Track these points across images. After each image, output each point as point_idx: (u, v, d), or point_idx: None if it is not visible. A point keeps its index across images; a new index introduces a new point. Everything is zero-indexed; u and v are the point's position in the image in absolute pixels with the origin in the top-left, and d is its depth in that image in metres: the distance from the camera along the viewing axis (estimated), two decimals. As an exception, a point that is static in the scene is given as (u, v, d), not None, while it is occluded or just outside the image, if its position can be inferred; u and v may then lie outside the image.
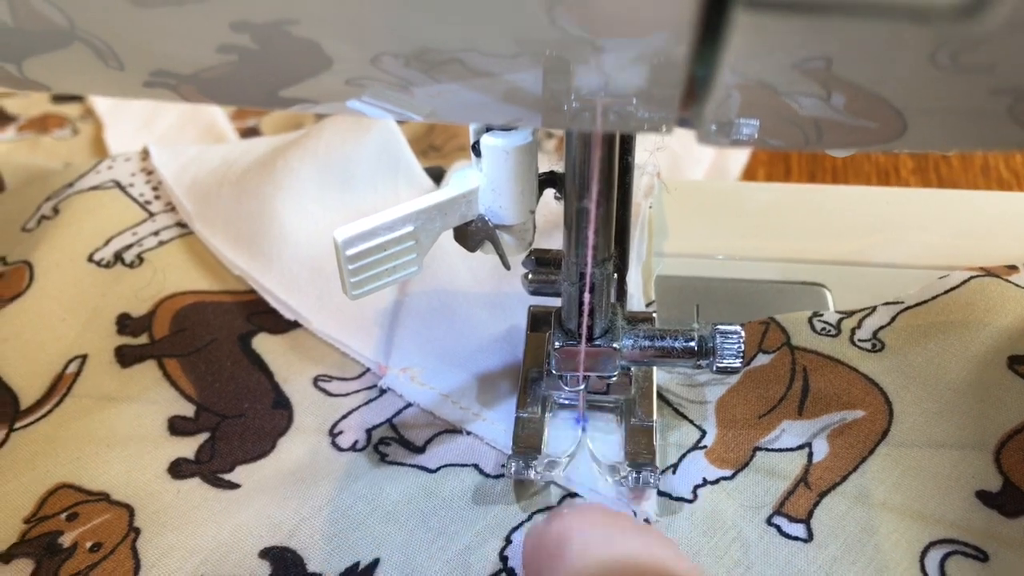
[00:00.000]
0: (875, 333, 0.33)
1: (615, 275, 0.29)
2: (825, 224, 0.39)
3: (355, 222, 0.24)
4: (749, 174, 0.48)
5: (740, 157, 0.48)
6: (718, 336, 0.28)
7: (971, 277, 0.34)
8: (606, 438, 0.31)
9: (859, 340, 0.33)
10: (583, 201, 0.23)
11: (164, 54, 0.18)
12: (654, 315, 0.33)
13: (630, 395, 0.31)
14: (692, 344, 0.28)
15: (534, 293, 0.31)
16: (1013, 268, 0.35)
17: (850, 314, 0.34)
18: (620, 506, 0.29)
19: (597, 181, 0.22)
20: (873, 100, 0.17)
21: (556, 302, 0.30)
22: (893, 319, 0.33)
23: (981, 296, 0.33)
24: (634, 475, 0.28)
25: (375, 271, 0.25)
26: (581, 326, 0.27)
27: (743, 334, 0.28)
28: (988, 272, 0.34)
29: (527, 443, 0.30)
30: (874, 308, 0.34)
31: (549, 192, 0.27)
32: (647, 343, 0.28)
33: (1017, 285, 0.33)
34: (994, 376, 0.31)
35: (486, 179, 0.25)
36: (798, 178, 0.48)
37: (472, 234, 0.26)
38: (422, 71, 0.18)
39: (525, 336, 0.33)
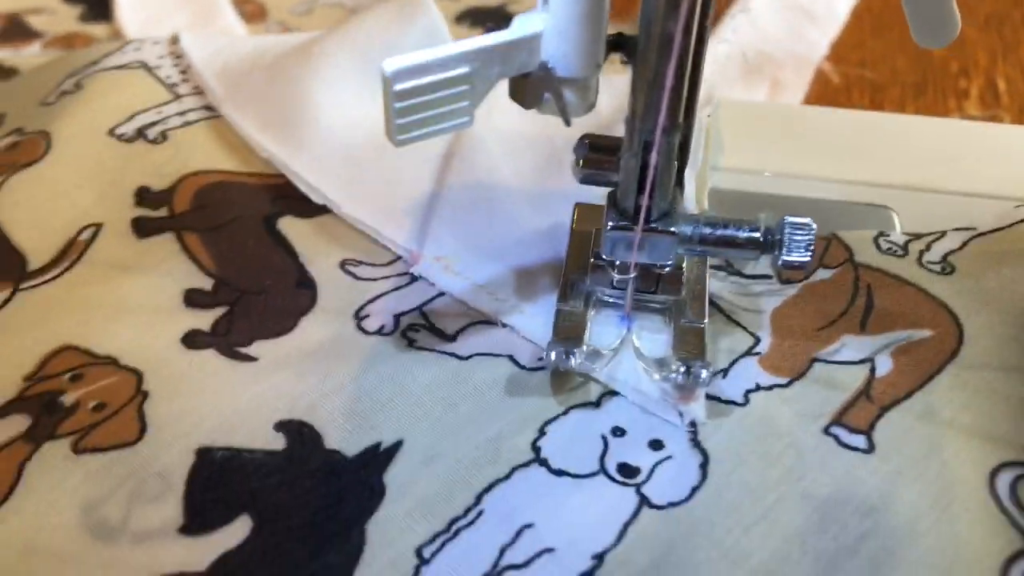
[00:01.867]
0: (944, 256, 0.31)
1: (679, 156, 0.26)
2: (891, 149, 0.36)
3: (407, 55, 0.22)
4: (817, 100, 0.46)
5: (797, 92, 0.46)
6: (787, 227, 0.26)
7: (1050, 207, 0.32)
8: (653, 336, 0.28)
9: (927, 262, 0.31)
10: (666, 27, 0.21)
11: None
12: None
13: (680, 295, 0.29)
14: (757, 234, 0.26)
15: (584, 181, 0.29)
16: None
17: (918, 236, 0.32)
18: (664, 407, 0.26)
19: (685, 11, 0.20)
20: None
21: (604, 200, 0.28)
22: (964, 244, 0.31)
23: (1060, 227, 0.31)
24: (684, 369, 0.26)
25: (424, 114, 0.23)
26: (641, 199, 0.25)
27: (815, 227, 0.26)
28: (1067, 203, 0.32)
29: (568, 334, 0.28)
30: (944, 232, 0.32)
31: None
32: (708, 230, 0.26)
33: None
34: (1073, 305, 0.29)
35: (553, 20, 0.23)
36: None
37: (533, 84, 0.24)
38: None
39: (569, 231, 0.31)
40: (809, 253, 0.26)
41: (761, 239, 0.26)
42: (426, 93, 0.23)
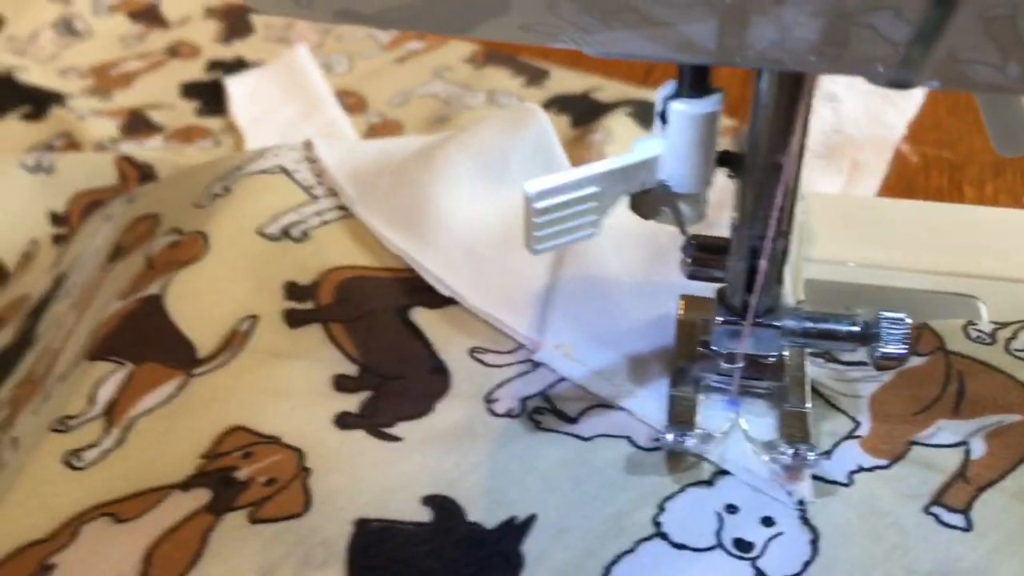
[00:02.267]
0: (1032, 343, 0.33)
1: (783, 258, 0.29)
2: (975, 239, 0.39)
3: (545, 177, 0.26)
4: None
5: (877, 172, 0.49)
6: (883, 322, 0.29)
7: None
8: (759, 420, 0.31)
9: (1015, 349, 0.33)
10: (775, 156, 0.24)
11: None
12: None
13: (783, 382, 0.31)
14: (857, 328, 0.29)
15: (691, 277, 0.32)
16: None
17: (1005, 325, 0.34)
18: (773, 486, 0.29)
19: (799, 128, 0.23)
20: None
21: (708, 292, 0.31)
22: (1050, 331, 0.33)
23: None
24: (792, 451, 0.29)
25: (558, 228, 0.27)
26: (751, 298, 0.28)
27: (909, 322, 0.28)
28: None
29: (681, 418, 0.30)
30: (1030, 320, 0.34)
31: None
32: (811, 324, 0.29)
33: None
34: None
35: (670, 145, 0.26)
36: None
37: (651, 200, 0.27)
38: (598, 19, 0.19)
39: (676, 321, 0.34)
40: (905, 346, 0.28)
41: (860, 332, 0.29)
42: (561, 210, 0.26)
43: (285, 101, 0.67)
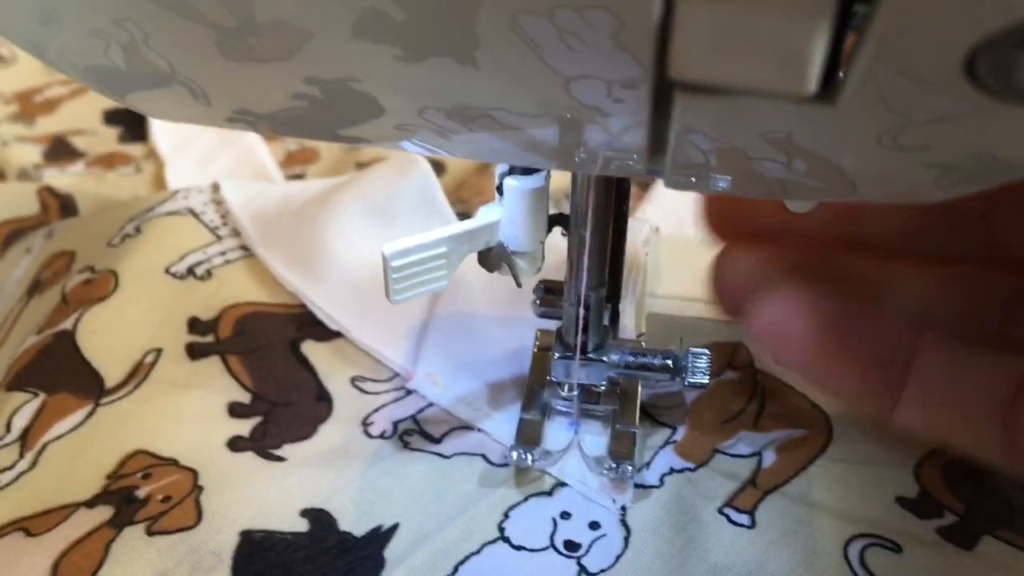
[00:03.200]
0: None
1: (608, 303, 0.35)
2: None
3: (399, 240, 0.31)
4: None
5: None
6: (690, 356, 0.34)
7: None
8: (595, 439, 0.36)
9: (814, 373, 0.39)
10: (581, 230, 0.30)
11: (247, 97, 0.23)
12: (642, 342, 0.39)
13: (616, 405, 0.37)
14: (668, 361, 0.35)
15: (541, 316, 0.38)
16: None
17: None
18: (602, 495, 0.34)
19: (592, 213, 0.29)
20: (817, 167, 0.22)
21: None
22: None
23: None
24: (615, 467, 0.34)
25: (412, 281, 0.32)
26: (576, 338, 0.33)
27: (711, 355, 0.34)
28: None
29: (528, 438, 0.36)
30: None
31: (557, 230, 0.34)
32: (631, 358, 0.35)
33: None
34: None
35: (506, 213, 0.32)
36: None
37: (492, 257, 0.32)
38: (460, 123, 0.23)
39: (532, 354, 0.39)
40: (707, 376, 0.34)
41: (672, 364, 0.35)
42: (414, 267, 0.31)
43: (203, 129, 0.70)
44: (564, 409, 0.37)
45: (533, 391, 0.38)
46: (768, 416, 0.37)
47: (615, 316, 0.37)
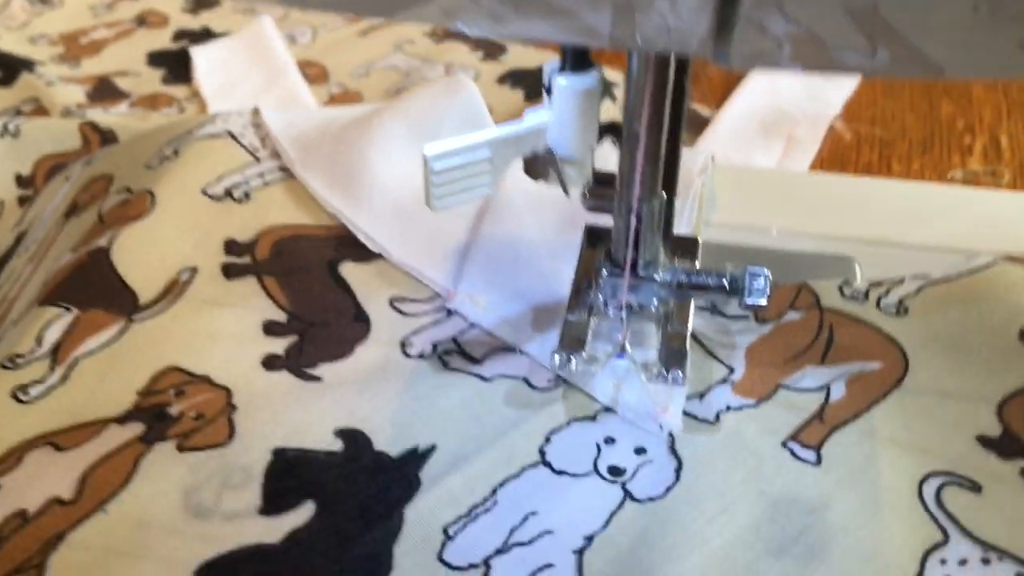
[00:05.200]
0: (900, 300, 0.36)
1: (661, 216, 0.32)
2: (860, 208, 0.42)
3: (442, 141, 0.29)
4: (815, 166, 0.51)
5: (811, 147, 0.52)
6: (747, 276, 0.32)
7: (995, 260, 0.37)
8: (643, 349, 0.34)
9: (884, 305, 0.36)
10: (635, 125, 0.27)
11: None
12: (697, 238, 0.36)
13: (669, 308, 0.34)
14: (724, 281, 0.32)
15: (591, 210, 0.35)
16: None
17: (879, 284, 0.37)
18: (647, 419, 0.32)
19: (648, 105, 0.26)
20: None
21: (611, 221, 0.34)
22: (919, 290, 0.36)
23: (1003, 277, 0.36)
24: (664, 375, 0.32)
25: (454, 187, 0.30)
26: (626, 256, 0.31)
27: (769, 275, 0.32)
28: (1013, 258, 0.37)
29: (572, 341, 0.33)
30: (902, 279, 0.37)
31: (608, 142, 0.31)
32: (684, 277, 0.32)
33: (1039, 270, 0.36)
34: (1004, 344, 0.34)
35: (555, 115, 0.29)
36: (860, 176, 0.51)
37: (539, 164, 0.30)
38: (511, 6, 0.21)
39: (580, 251, 0.37)
40: (764, 297, 0.31)
41: (727, 286, 0.32)
42: (457, 171, 0.29)
43: (248, 71, 0.69)
44: (613, 309, 0.35)
45: (580, 290, 0.35)
46: (837, 350, 0.34)
47: (668, 233, 0.35)
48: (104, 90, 0.68)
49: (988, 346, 0.34)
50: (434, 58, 0.69)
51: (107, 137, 0.57)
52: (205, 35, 0.74)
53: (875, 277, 0.38)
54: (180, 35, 0.75)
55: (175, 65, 0.71)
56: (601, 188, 0.34)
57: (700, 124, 0.54)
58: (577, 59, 0.29)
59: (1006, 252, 0.38)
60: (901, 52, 0.19)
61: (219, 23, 0.76)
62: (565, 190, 0.31)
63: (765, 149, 0.58)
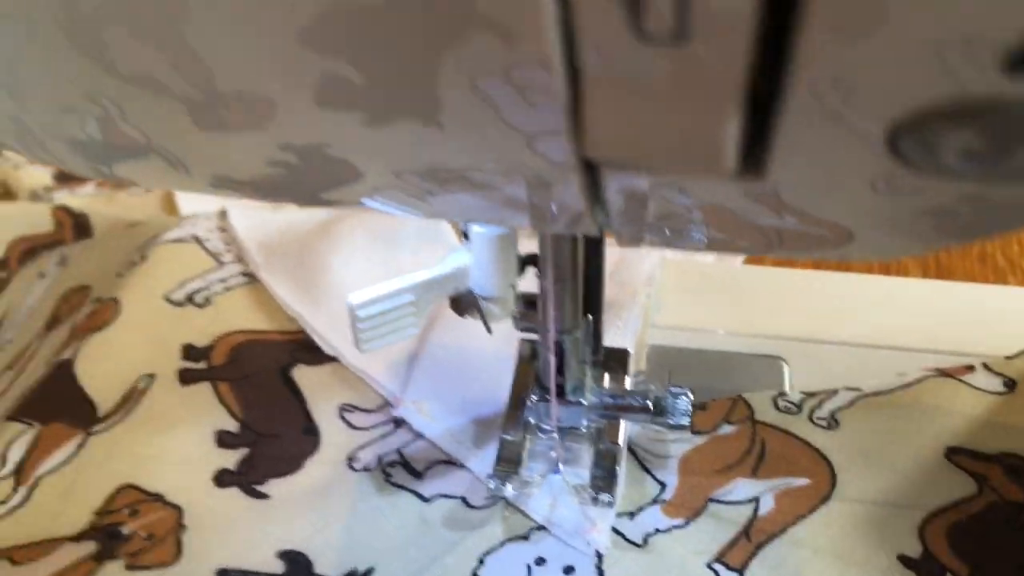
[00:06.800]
0: (832, 413, 0.37)
1: (588, 339, 0.34)
2: (789, 303, 0.43)
3: (366, 289, 0.30)
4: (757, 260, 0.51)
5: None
6: (669, 397, 0.33)
7: (927, 376, 0.38)
8: (576, 470, 0.35)
9: (817, 418, 0.37)
10: (545, 282, 0.28)
11: (225, 165, 0.24)
12: (629, 352, 0.37)
13: (601, 425, 0.35)
14: (648, 403, 0.33)
15: (523, 331, 0.36)
16: (970, 368, 0.38)
17: (813, 395, 0.38)
18: (577, 537, 0.33)
19: (553, 263, 0.28)
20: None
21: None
22: (852, 403, 0.38)
23: (933, 393, 0.37)
24: (594, 497, 0.33)
25: (381, 330, 0.31)
26: (552, 384, 0.32)
27: (691, 396, 0.33)
28: (943, 372, 0.38)
29: (507, 461, 0.35)
30: (836, 391, 0.38)
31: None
32: (611, 400, 0.34)
33: (969, 384, 0.37)
34: (931, 462, 0.35)
35: (474, 259, 0.31)
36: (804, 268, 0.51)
37: (463, 302, 0.32)
38: (436, 184, 0.23)
39: (515, 367, 0.38)
40: (687, 417, 0.33)
41: (652, 407, 0.33)
42: (381, 316, 0.31)
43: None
44: (546, 428, 0.36)
45: (516, 407, 0.36)
46: (768, 463, 0.35)
47: (598, 349, 0.36)
48: (69, 172, 0.69)
49: (915, 463, 0.35)
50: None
51: (79, 221, 0.58)
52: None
53: (802, 377, 0.39)
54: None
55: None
56: (531, 311, 0.35)
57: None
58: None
59: (935, 347, 0.39)
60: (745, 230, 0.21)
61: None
62: (487, 327, 0.32)
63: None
